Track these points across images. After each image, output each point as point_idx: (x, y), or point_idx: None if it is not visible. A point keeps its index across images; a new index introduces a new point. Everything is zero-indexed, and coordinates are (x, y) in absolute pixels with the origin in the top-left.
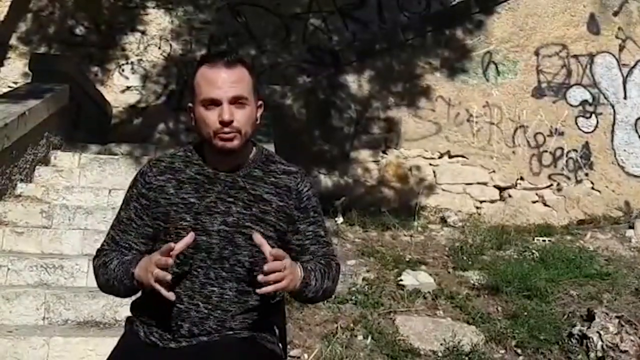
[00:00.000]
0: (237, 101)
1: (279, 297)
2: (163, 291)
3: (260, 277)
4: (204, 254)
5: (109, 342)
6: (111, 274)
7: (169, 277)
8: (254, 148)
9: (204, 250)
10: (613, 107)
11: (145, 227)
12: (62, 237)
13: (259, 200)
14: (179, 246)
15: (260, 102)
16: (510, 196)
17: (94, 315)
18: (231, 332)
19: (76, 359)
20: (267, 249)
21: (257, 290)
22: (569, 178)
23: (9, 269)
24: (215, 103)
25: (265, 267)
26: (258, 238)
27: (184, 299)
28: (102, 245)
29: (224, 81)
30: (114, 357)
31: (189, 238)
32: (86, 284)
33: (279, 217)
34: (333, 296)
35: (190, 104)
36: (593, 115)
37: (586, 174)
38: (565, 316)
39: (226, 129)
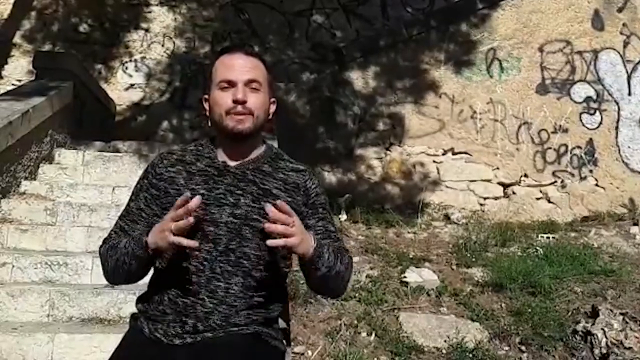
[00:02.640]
0: (251, 84)
1: (286, 268)
2: (184, 241)
3: (266, 225)
4: (211, 245)
5: (113, 339)
6: (122, 252)
7: (191, 219)
8: (264, 145)
9: (211, 241)
10: (617, 103)
11: (154, 217)
12: (66, 235)
13: (268, 194)
14: (194, 202)
15: (273, 99)
16: (514, 193)
17: (98, 312)
18: (235, 329)
19: (81, 356)
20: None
21: (267, 242)
22: (573, 175)
23: (13, 266)
24: (231, 84)
25: (270, 214)
26: (269, 208)
27: (190, 293)
28: (110, 234)
29: (240, 65)
30: (119, 353)
31: (197, 200)
32: (90, 281)
33: None
34: (345, 290)
35: (205, 96)
36: (597, 112)
37: (590, 171)
38: (570, 313)
39: (239, 108)
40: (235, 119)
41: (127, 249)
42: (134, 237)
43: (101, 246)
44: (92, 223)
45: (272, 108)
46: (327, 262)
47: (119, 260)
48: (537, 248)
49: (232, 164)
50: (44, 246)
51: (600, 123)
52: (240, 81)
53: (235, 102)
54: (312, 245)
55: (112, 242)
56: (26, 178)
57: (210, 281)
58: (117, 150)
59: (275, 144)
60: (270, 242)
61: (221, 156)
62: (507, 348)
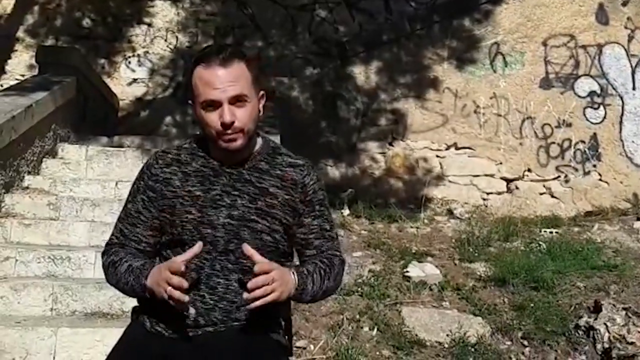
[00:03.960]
0: (237, 100)
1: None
2: (177, 306)
3: (245, 295)
4: (210, 247)
5: (116, 333)
6: (121, 277)
7: (185, 284)
8: (260, 140)
9: (209, 243)
10: (621, 98)
11: (153, 219)
12: (69, 229)
13: (265, 193)
14: (187, 256)
15: (262, 93)
16: (517, 188)
17: (101, 307)
18: (237, 323)
19: (83, 350)
20: (257, 259)
21: (247, 307)
22: (576, 169)
23: (17, 260)
24: (214, 105)
25: (249, 285)
26: (247, 249)
27: (190, 290)
28: (111, 238)
29: (221, 81)
30: (120, 347)
31: (196, 248)
32: (93, 275)
33: (284, 210)
34: (337, 290)
35: (190, 101)
36: (601, 107)
37: (594, 166)
38: (572, 308)
39: (228, 131)
40: (226, 139)
41: (126, 279)
42: (134, 270)
43: (104, 253)
44: (95, 218)
45: (262, 102)
46: (311, 292)
47: (119, 283)
48: (540, 243)
49: (228, 163)
50: (47, 241)
51: (604, 118)
52: (225, 100)
53: (223, 125)
54: (294, 285)
55: (114, 257)
56: (29, 173)
57: (210, 277)
58: (120, 145)
59: (278, 140)
60: (249, 307)
61: (216, 156)
62: (509, 343)
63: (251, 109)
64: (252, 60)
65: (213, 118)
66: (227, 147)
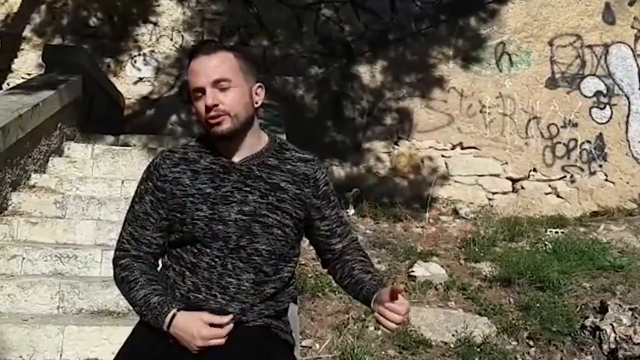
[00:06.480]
0: (219, 84)
1: (292, 285)
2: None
3: (388, 325)
4: (221, 243)
5: (123, 331)
6: (135, 302)
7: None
8: (267, 137)
9: (221, 239)
10: (628, 98)
11: (162, 220)
12: (75, 228)
13: (276, 188)
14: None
15: (258, 84)
16: (523, 188)
17: (107, 305)
18: (246, 321)
19: (90, 347)
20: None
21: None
22: (582, 169)
23: (23, 258)
24: (201, 91)
25: (395, 305)
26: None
27: (202, 289)
28: (122, 243)
29: (204, 68)
30: (129, 344)
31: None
32: (100, 273)
33: (294, 204)
34: None
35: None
36: (607, 106)
37: (600, 166)
38: (578, 308)
39: (212, 113)
40: (212, 122)
41: (142, 311)
42: (152, 307)
43: (115, 261)
44: (102, 216)
45: (260, 93)
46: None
47: (131, 304)
48: (546, 243)
49: (237, 159)
50: (54, 239)
51: (610, 117)
52: (208, 85)
53: (206, 108)
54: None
55: (127, 273)
56: (36, 171)
57: (222, 277)
58: (126, 144)
59: (284, 138)
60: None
61: (222, 152)
62: (515, 343)
63: (238, 93)
64: (239, 51)
65: (201, 105)
66: (215, 131)
